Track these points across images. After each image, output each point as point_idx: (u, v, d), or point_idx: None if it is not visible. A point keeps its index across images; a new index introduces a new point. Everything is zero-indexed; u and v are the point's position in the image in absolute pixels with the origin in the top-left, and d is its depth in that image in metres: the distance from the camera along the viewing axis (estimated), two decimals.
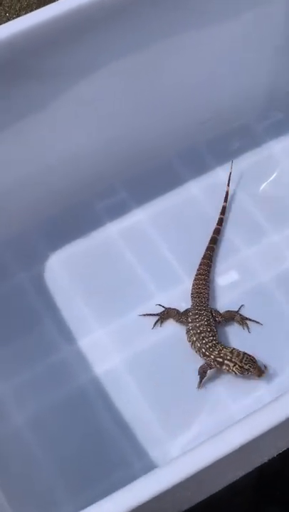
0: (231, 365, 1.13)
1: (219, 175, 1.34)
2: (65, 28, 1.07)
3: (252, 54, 1.30)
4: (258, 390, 1.15)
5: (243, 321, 1.20)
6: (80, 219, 1.29)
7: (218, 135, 1.37)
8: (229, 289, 1.24)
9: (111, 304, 1.22)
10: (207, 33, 1.21)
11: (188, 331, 1.17)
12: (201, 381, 1.15)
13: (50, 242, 1.27)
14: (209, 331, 1.16)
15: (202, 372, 1.15)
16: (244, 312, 1.21)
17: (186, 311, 1.20)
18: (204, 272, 1.23)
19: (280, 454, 1.00)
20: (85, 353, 1.18)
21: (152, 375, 1.16)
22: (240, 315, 1.21)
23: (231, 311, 1.21)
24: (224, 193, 1.30)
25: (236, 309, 1.21)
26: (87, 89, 1.17)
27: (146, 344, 1.19)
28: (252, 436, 0.80)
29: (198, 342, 1.16)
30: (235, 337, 1.19)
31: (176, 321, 1.20)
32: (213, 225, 1.28)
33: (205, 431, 1.11)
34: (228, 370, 1.14)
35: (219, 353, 1.14)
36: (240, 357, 1.13)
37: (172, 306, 1.21)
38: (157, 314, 1.20)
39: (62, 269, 1.24)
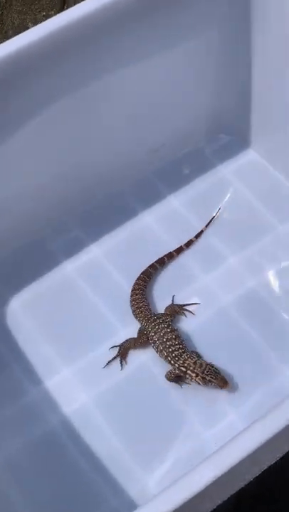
0: (193, 375, 1.15)
1: (172, 203, 1.35)
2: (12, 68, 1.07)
3: (194, 81, 1.31)
4: (229, 415, 1.15)
5: (180, 309, 1.23)
6: (36, 259, 1.28)
7: (168, 163, 1.38)
8: (192, 316, 1.24)
9: (75, 342, 1.21)
10: (149, 65, 1.21)
11: (154, 343, 1.18)
12: (178, 382, 1.17)
13: (8, 286, 1.26)
14: (175, 338, 1.17)
15: (172, 377, 1.16)
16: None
17: (141, 330, 1.20)
18: (139, 286, 1.24)
19: (257, 477, 1.00)
20: (52, 394, 1.17)
21: (122, 411, 1.16)
22: (177, 305, 1.24)
23: (169, 306, 1.23)
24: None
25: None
26: (34, 126, 1.17)
27: (113, 380, 1.18)
28: (224, 470, 0.80)
29: (165, 351, 1.17)
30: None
31: (137, 346, 1.20)
32: None
33: (180, 461, 1.11)
34: (191, 380, 1.15)
35: (184, 363, 1.15)
36: (203, 368, 1.14)
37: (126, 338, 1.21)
38: (116, 356, 1.20)
39: (24, 312, 1.24)
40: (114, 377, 1.18)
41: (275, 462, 0.99)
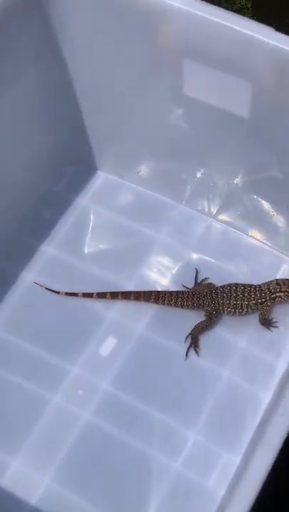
0: (282, 294, 1.18)
1: (47, 252, 1.29)
2: None
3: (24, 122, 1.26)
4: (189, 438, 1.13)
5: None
6: None
7: (27, 216, 1.32)
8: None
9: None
10: None
11: (231, 310, 1.19)
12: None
13: None
14: (241, 286, 1.19)
15: (263, 319, 1.19)
16: None
17: (208, 311, 1.19)
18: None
19: None
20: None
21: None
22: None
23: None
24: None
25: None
26: None
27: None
28: None
29: (245, 301, 1.18)
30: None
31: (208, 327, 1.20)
32: None
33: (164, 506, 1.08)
34: (280, 301, 1.19)
35: (269, 291, 1.18)
36: (287, 284, 1.19)
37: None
38: (191, 345, 1.19)
39: None
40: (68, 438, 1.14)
41: None
